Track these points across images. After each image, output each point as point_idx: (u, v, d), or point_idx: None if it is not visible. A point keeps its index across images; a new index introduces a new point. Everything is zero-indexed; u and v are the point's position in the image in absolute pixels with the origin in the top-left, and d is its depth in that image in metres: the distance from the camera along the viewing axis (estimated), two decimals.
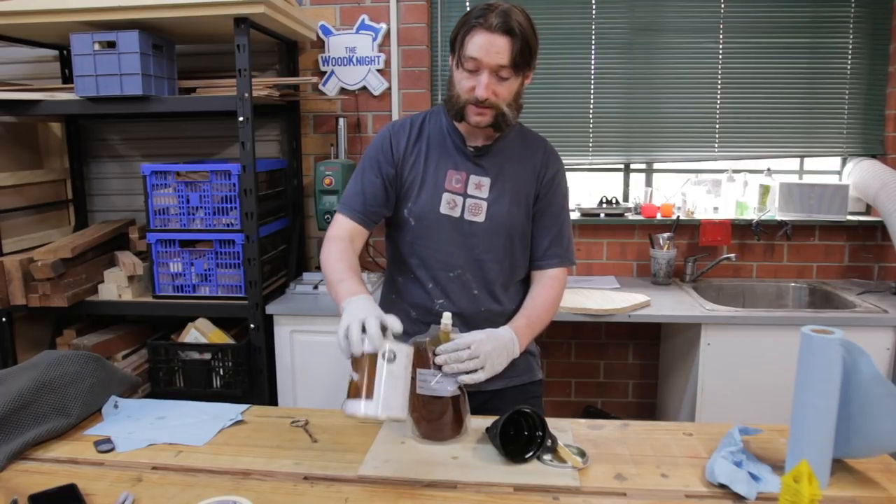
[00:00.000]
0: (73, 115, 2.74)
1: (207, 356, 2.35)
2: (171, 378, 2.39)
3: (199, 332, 2.38)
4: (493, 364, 1.27)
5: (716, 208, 2.86)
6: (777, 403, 2.14)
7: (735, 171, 2.84)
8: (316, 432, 1.32)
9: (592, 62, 2.79)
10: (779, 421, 1.31)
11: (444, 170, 1.43)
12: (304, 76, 2.72)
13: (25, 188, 2.63)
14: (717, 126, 2.79)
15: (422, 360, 1.25)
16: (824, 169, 2.91)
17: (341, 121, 2.68)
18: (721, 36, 2.74)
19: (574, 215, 2.80)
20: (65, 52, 2.75)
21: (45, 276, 2.26)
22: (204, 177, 2.33)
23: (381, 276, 2.60)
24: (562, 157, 1.53)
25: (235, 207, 2.32)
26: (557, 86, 2.79)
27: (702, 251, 2.77)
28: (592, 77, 2.80)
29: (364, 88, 2.75)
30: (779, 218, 2.71)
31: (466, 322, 1.42)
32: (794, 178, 2.88)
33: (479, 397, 1.43)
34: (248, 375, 2.35)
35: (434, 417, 1.24)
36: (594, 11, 2.76)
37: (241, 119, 2.18)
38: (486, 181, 1.43)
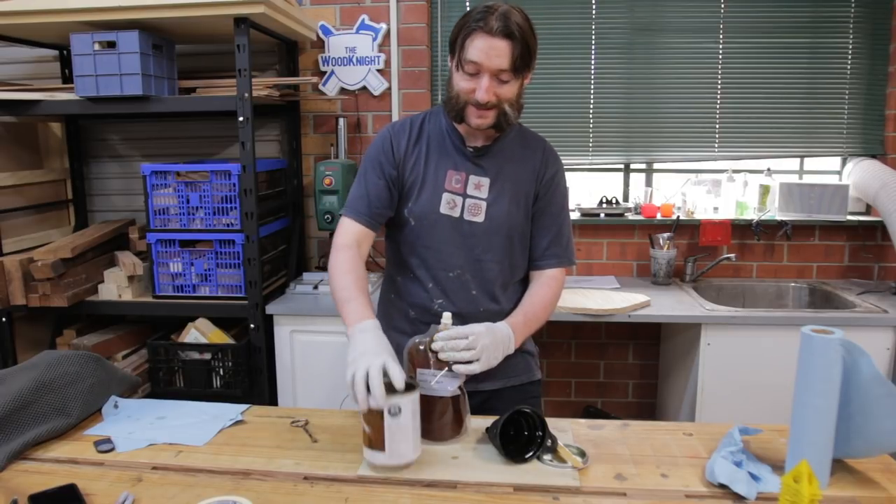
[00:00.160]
0: (73, 115, 2.74)
1: (207, 356, 2.35)
2: (171, 378, 2.39)
3: (199, 332, 2.38)
4: (489, 358, 1.27)
5: (716, 208, 2.86)
6: (777, 403, 2.14)
7: (735, 171, 2.85)
8: (316, 432, 1.32)
9: (592, 62, 2.79)
10: (779, 421, 1.31)
11: (443, 170, 1.43)
12: (304, 76, 2.72)
13: (25, 188, 2.63)
14: (717, 126, 2.79)
15: (422, 360, 1.25)
16: (824, 169, 2.91)
17: (341, 121, 2.68)
18: (721, 36, 2.74)
19: (574, 215, 2.80)
20: (65, 52, 2.75)
21: (45, 276, 2.26)
22: (204, 177, 2.33)
23: (380, 277, 2.60)
24: (562, 157, 1.53)
25: (235, 207, 2.32)
26: (557, 86, 2.79)
27: (702, 251, 2.77)
28: (592, 77, 2.80)
29: (364, 88, 2.75)
30: (779, 218, 2.71)
31: (465, 322, 1.41)
32: (794, 178, 2.88)
33: (478, 397, 1.43)
34: (248, 375, 2.35)
35: (434, 417, 1.24)
36: (594, 11, 2.76)
37: (241, 119, 2.18)
38: (486, 181, 1.43)
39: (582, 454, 1.20)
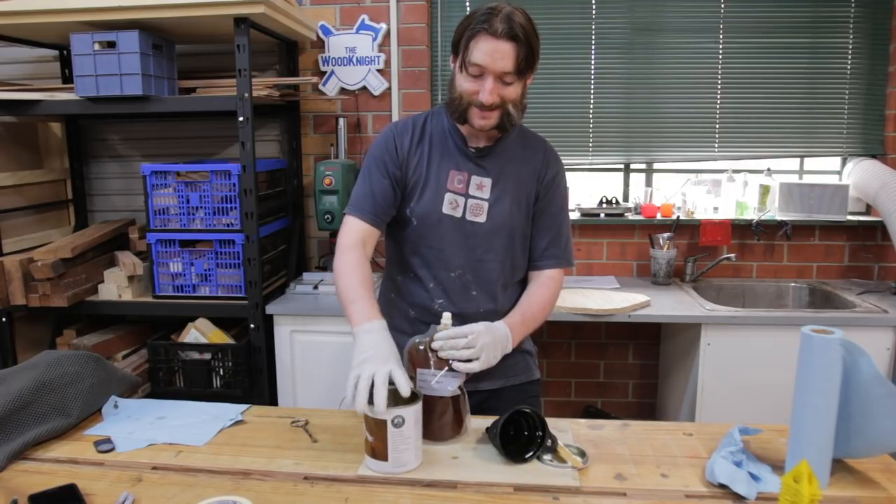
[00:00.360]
0: (73, 115, 2.74)
1: (207, 356, 2.35)
2: (171, 378, 2.39)
3: (199, 332, 2.38)
4: (489, 356, 1.27)
5: (716, 208, 2.86)
6: (777, 403, 2.14)
7: (735, 171, 2.84)
8: (316, 432, 1.32)
9: (592, 62, 2.79)
10: (779, 421, 1.31)
11: (446, 170, 1.43)
12: (304, 76, 2.72)
13: (25, 188, 2.63)
14: (717, 126, 2.79)
15: (422, 360, 1.25)
16: (824, 169, 2.91)
17: (341, 121, 2.68)
18: (721, 36, 2.74)
19: (574, 215, 2.80)
20: (65, 52, 2.75)
21: (45, 276, 2.26)
22: (204, 177, 2.33)
23: (380, 277, 2.59)
24: (562, 157, 1.53)
25: (235, 207, 2.32)
26: (557, 86, 2.80)
27: (702, 251, 2.77)
28: (592, 77, 2.80)
29: (364, 88, 2.75)
30: (779, 218, 2.71)
31: (465, 322, 1.41)
32: (794, 178, 2.88)
33: (477, 396, 1.43)
34: (248, 375, 2.35)
35: (434, 417, 1.24)
36: (594, 11, 2.76)
37: (241, 119, 2.18)
38: (488, 182, 1.43)
39: (582, 454, 1.20)
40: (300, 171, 2.80)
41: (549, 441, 1.20)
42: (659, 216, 2.78)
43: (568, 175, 1.55)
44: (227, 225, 2.34)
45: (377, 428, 1.12)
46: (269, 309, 2.32)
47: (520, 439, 1.20)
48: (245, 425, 1.37)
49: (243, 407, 1.44)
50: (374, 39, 2.71)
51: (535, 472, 1.15)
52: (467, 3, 2.77)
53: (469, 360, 1.24)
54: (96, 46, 2.18)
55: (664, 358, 2.85)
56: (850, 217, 2.70)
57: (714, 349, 2.24)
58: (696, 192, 2.87)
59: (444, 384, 1.23)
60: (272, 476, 1.15)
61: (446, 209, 1.42)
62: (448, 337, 1.24)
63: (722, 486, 1.08)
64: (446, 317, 1.27)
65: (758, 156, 2.82)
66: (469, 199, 1.43)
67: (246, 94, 2.16)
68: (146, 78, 2.20)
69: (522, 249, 1.49)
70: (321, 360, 2.32)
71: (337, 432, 1.32)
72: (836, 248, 2.78)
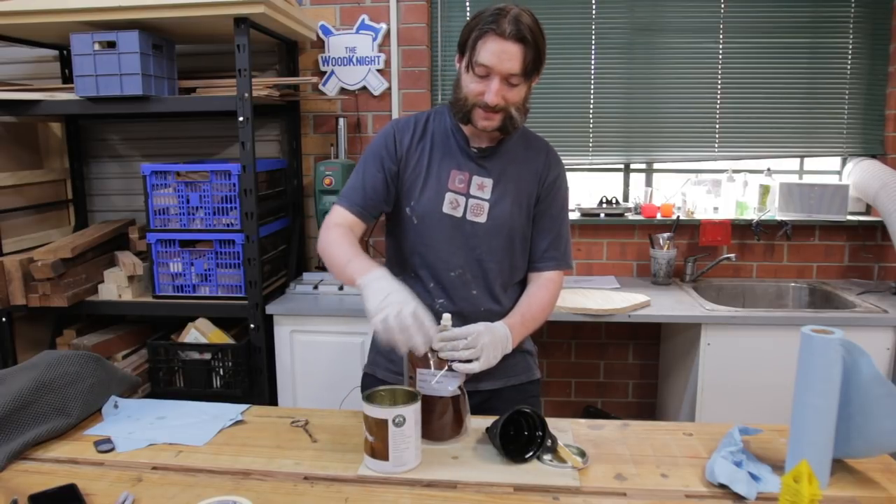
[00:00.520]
0: (73, 115, 2.74)
1: (207, 356, 2.35)
2: (171, 378, 2.39)
3: (199, 332, 2.38)
4: (489, 356, 1.27)
5: (716, 208, 2.86)
6: (777, 403, 2.13)
7: (735, 171, 2.84)
8: (316, 432, 1.32)
9: (592, 62, 2.79)
10: (779, 421, 1.31)
11: (447, 169, 1.43)
12: (304, 76, 2.72)
13: (25, 188, 2.63)
14: (717, 126, 2.79)
15: (421, 360, 1.25)
16: (824, 169, 2.91)
17: (341, 121, 2.68)
18: (721, 36, 2.74)
19: (574, 215, 2.80)
20: (65, 52, 2.75)
21: (45, 276, 2.26)
22: (204, 177, 2.33)
23: None
24: (562, 158, 1.53)
25: (235, 207, 2.32)
26: (557, 86, 2.80)
27: (702, 251, 2.77)
28: (592, 77, 2.80)
29: (364, 88, 2.75)
30: (779, 218, 2.71)
31: (465, 321, 1.41)
32: (794, 178, 2.88)
33: (477, 397, 1.43)
34: (248, 375, 2.35)
35: (434, 417, 1.24)
36: (594, 11, 2.76)
37: (241, 119, 2.18)
38: (489, 182, 1.43)
39: (582, 454, 1.20)
40: (300, 171, 2.80)
41: (549, 441, 1.20)
42: (659, 216, 2.78)
43: (568, 175, 1.55)
44: (227, 225, 2.34)
45: (377, 427, 1.12)
46: (269, 309, 2.32)
47: (520, 439, 1.20)
48: (245, 425, 1.37)
49: (243, 407, 1.44)
50: (374, 39, 2.71)
51: (535, 472, 1.15)
52: (467, 3, 2.77)
53: (469, 361, 1.24)
54: (96, 46, 2.18)
55: (664, 358, 2.85)
56: (850, 217, 2.70)
57: (714, 349, 2.24)
58: (696, 192, 2.87)
59: (444, 384, 1.23)
60: (272, 476, 1.15)
61: (446, 209, 1.42)
62: (448, 338, 1.24)
63: (722, 486, 1.08)
64: (446, 317, 1.27)
65: (758, 156, 2.82)
66: (470, 198, 1.43)
67: (246, 94, 2.16)
68: (146, 78, 2.20)
69: (522, 250, 1.49)
70: (321, 360, 2.32)
71: (337, 432, 1.32)
72: (836, 248, 2.78)
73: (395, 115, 2.75)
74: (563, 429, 1.31)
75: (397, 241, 1.50)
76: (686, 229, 2.78)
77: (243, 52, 2.14)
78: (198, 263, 2.37)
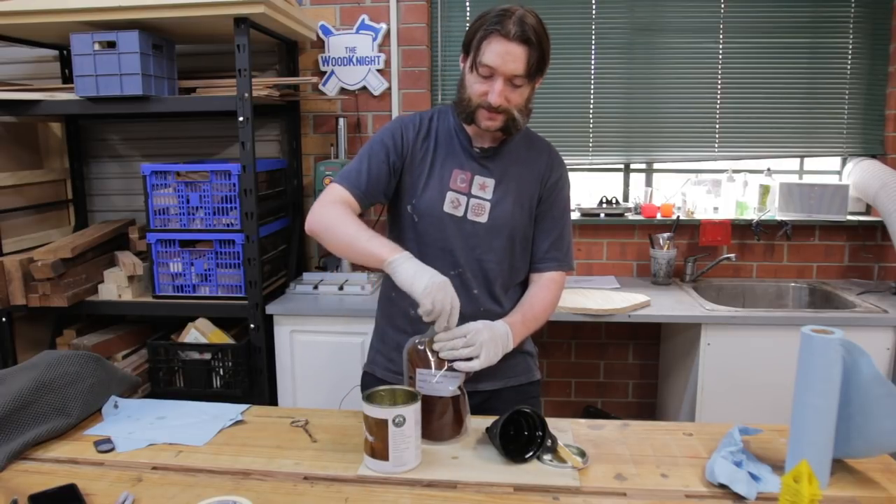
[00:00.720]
0: (73, 115, 2.74)
1: (207, 356, 2.35)
2: (171, 378, 2.39)
3: (199, 332, 2.38)
4: (489, 353, 1.27)
5: (716, 208, 2.86)
6: (777, 403, 2.13)
7: (735, 171, 2.84)
8: (316, 432, 1.32)
9: (592, 62, 2.79)
10: (779, 421, 1.31)
11: (449, 169, 1.43)
12: (304, 76, 2.72)
13: (25, 188, 2.63)
14: (717, 126, 2.79)
15: (421, 360, 1.25)
16: (824, 169, 2.91)
17: (341, 121, 2.68)
18: (721, 36, 2.74)
19: (574, 215, 2.80)
20: (65, 52, 2.75)
21: (45, 276, 2.26)
22: (204, 177, 2.33)
23: (380, 277, 2.59)
24: (562, 158, 1.53)
25: (235, 207, 2.32)
26: (557, 86, 2.79)
27: (702, 251, 2.77)
28: (592, 77, 2.80)
29: (364, 88, 2.75)
30: (779, 218, 2.71)
31: (465, 322, 1.41)
32: (794, 178, 2.88)
33: (477, 397, 1.43)
34: (248, 375, 2.35)
35: (434, 417, 1.24)
36: (594, 11, 2.76)
37: (241, 119, 2.18)
38: (491, 182, 1.43)
39: (582, 454, 1.20)
40: (300, 171, 2.80)
41: (549, 441, 1.20)
42: (659, 216, 2.78)
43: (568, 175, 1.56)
44: (227, 225, 2.34)
45: (377, 427, 1.12)
46: (269, 309, 2.32)
47: (520, 439, 1.20)
48: (245, 425, 1.37)
49: (243, 407, 1.44)
50: (374, 39, 2.71)
51: (535, 472, 1.15)
52: (467, 3, 2.77)
53: (469, 360, 1.24)
54: (96, 46, 2.18)
55: (664, 358, 2.85)
56: (850, 217, 2.70)
57: (714, 349, 2.24)
58: (696, 192, 2.87)
59: (444, 384, 1.23)
60: (272, 476, 1.15)
61: (447, 208, 1.42)
62: (447, 338, 1.24)
63: (722, 486, 1.08)
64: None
65: (758, 156, 2.82)
66: (471, 198, 1.43)
67: (246, 94, 2.16)
68: (146, 78, 2.20)
69: (523, 251, 1.49)
70: (321, 360, 2.32)
71: (337, 432, 1.32)
72: (836, 248, 2.78)
73: (394, 114, 2.75)
74: (563, 429, 1.31)
75: (399, 239, 1.50)
76: (686, 229, 2.78)
77: (243, 52, 2.14)
78: (198, 263, 2.37)
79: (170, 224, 2.38)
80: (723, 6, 2.72)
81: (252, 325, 2.30)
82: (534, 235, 1.49)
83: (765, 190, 2.75)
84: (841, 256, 2.78)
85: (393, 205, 1.49)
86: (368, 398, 1.16)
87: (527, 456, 1.18)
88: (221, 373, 2.36)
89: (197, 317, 2.41)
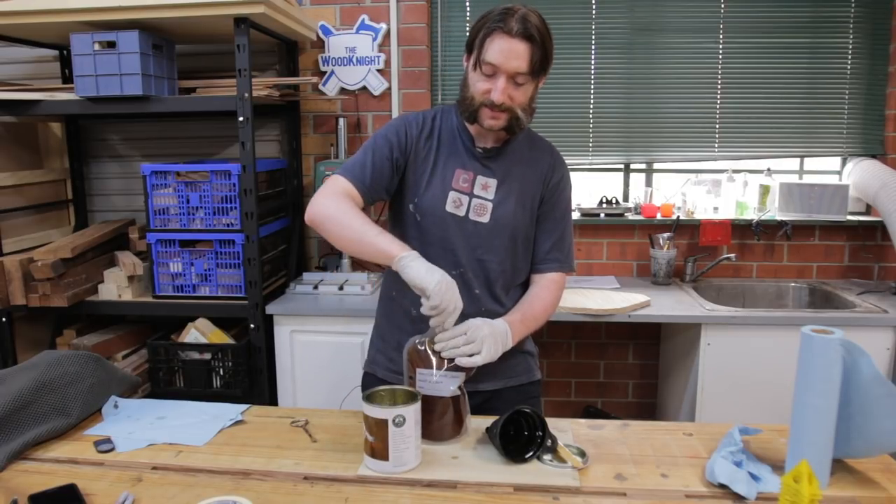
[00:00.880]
0: (73, 115, 2.74)
1: (207, 356, 2.35)
2: (171, 378, 2.39)
3: (199, 332, 2.38)
4: (490, 349, 1.27)
5: (716, 208, 2.86)
6: (777, 403, 2.14)
7: (735, 171, 2.84)
8: (316, 432, 1.32)
9: (592, 62, 2.79)
10: (779, 421, 1.31)
11: (452, 168, 1.43)
12: (304, 76, 2.72)
13: (25, 188, 2.63)
14: (717, 126, 2.79)
15: (422, 360, 1.25)
16: (824, 169, 2.91)
17: (341, 121, 2.68)
18: (721, 36, 2.74)
19: (574, 215, 2.76)
20: (65, 52, 2.75)
21: (45, 276, 2.26)
22: (204, 177, 2.33)
23: (380, 277, 2.59)
24: (563, 159, 1.53)
25: (235, 207, 2.32)
26: (557, 86, 2.79)
27: (702, 251, 2.77)
28: (592, 77, 2.80)
29: (364, 88, 2.75)
30: (779, 218, 2.71)
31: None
32: (794, 178, 2.88)
33: (478, 397, 1.43)
34: (248, 375, 2.35)
35: (434, 417, 1.24)
36: (594, 11, 2.76)
37: (241, 119, 2.18)
38: (493, 182, 1.43)
39: (582, 454, 1.20)
40: (300, 171, 2.80)
41: (549, 441, 1.20)
42: (659, 216, 2.78)
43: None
44: (227, 225, 2.34)
45: (377, 427, 1.12)
46: (269, 309, 2.32)
47: (520, 439, 1.20)
48: (245, 425, 1.37)
49: (243, 407, 1.44)
50: (374, 39, 2.71)
51: (535, 472, 1.15)
52: (467, 3, 2.77)
53: (471, 356, 1.24)
54: (96, 46, 2.18)
55: (664, 358, 2.85)
56: (850, 217, 2.70)
57: (714, 349, 2.24)
58: (696, 192, 2.87)
59: (444, 384, 1.23)
60: (272, 476, 1.15)
61: (450, 207, 1.42)
62: (448, 337, 1.24)
63: (722, 486, 1.08)
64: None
65: (758, 156, 2.82)
66: (473, 198, 1.43)
67: (246, 94, 2.16)
68: (146, 78, 2.20)
69: (524, 251, 1.49)
70: (321, 360, 2.32)
71: (337, 432, 1.32)
72: (836, 248, 2.78)
73: (395, 114, 2.75)
74: (563, 429, 1.31)
75: (399, 238, 1.49)
76: (686, 229, 2.78)
77: (243, 52, 2.14)
78: (198, 263, 2.37)
79: (170, 224, 2.38)
80: (723, 6, 2.72)
81: (252, 325, 2.30)
82: (535, 236, 1.49)
83: (765, 190, 2.75)
84: (841, 256, 2.78)
85: (395, 203, 1.49)
86: (368, 398, 1.16)
87: (527, 456, 1.18)
88: (221, 373, 2.36)
89: (197, 317, 2.41)
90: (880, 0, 2.67)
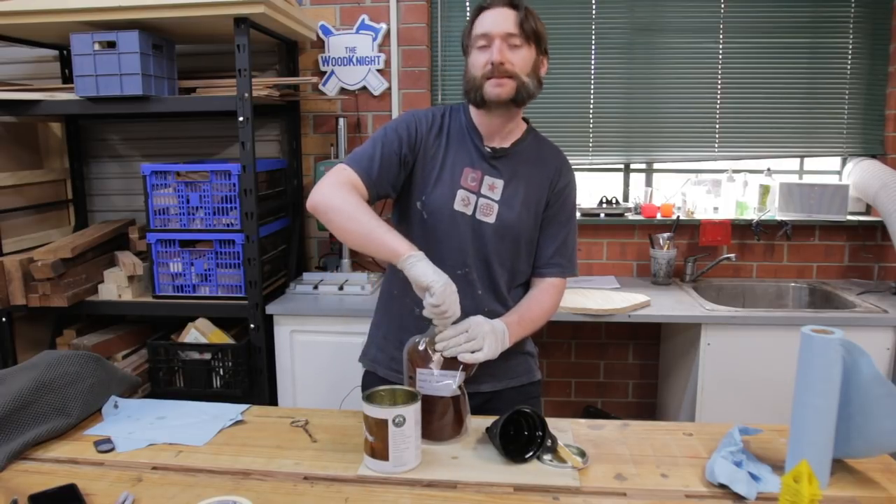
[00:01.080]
0: (73, 115, 2.74)
1: (207, 356, 2.35)
2: (171, 378, 2.39)
3: (199, 332, 2.38)
4: (491, 345, 1.27)
5: (716, 208, 2.86)
6: (777, 403, 2.14)
7: (735, 171, 2.84)
8: (316, 432, 1.32)
9: (592, 62, 2.79)
10: (779, 421, 1.31)
11: (460, 167, 1.43)
12: (304, 76, 2.72)
13: (25, 188, 2.63)
14: (717, 126, 2.79)
15: (422, 360, 1.25)
16: (824, 169, 2.91)
17: (341, 121, 2.68)
18: (721, 36, 2.74)
19: None
20: (65, 52, 2.75)
21: (45, 276, 2.26)
22: (204, 177, 2.33)
23: (380, 277, 2.60)
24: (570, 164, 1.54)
25: (235, 207, 2.32)
26: (557, 86, 2.79)
27: (702, 251, 2.77)
28: (592, 77, 2.80)
29: (364, 88, 2.75)
30: (779, 218, 2.71)
31: None
32: (794, 178, 2.88)
33: (479, 398, 1.43)
34: (248, 375, 2.35)
35: (434, 417, 1.24)
36: (594, 11, 2.76)
37: (241, 119, 2.18)
38: (500, 183, 1.43)
39: (582, 454, 1.20)
40: (300, 171, 2.80)
41: (549, 441, 1.20)
42: (659, 216, 2.78)
43: None
44: (227, 225, 2.34)
45: (377, 427, 1.12)
46: (269, 309, 2.32)
47: (520, 439, 1.20)
48: (245, 425, 1.37)
49: (243, 407, 1.44)
50: (374, 39, 2.71)
51: (535, 472, 1.15)
52: (467, 3, 2.77)
53: (473, 353, 1.25)
54: (96, 46, 2.18)
55: (664, 358, 2.85)
56: (850, 217, 2.70)
57: (714, 349, 2.24)
58: (696, 192, 2.87)
59: (444, 384, 1.23)
60: (272, 476, 1.15)
61: (458, 206, 1.41)
62: (448, 336, 1.24)
63: (722, 486, 1.08)
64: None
65: (758, 156, 2.82)
66: (481, 198, 1.42)
67: (246, 94, 2.16)
68: (146, 78, 2.20)
69: (527, 254, 1.48)
70: (321, 360, 2.32)
71: (337, 432, 1.32)
72: (836, 248, 2.78)
73: (395, 115, 2.75)
74: (563, 429, 1.31)
75: (405, 235, 1.49)
76: (686, 229, 2.78)
77: (243, 52, 2.14)
78: (198, 263, 2.37)
79: (170, 224, 2.38)
80: (723, 6, 2.72)
81: (252, 325, 2.30)
82: (539, 240, 1.49)
83: (765, 190, 2.75)
84: (841, 256, 2.78)
85: (401, 200, 1.48)
86: (368, 398, 1.16)
87: (527, 456, 1.18)
88: (221, 373, 2.36)
89: (197, 317, 2.41)
90: (880, 0, 2.67)
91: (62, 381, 1.34)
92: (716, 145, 2.81)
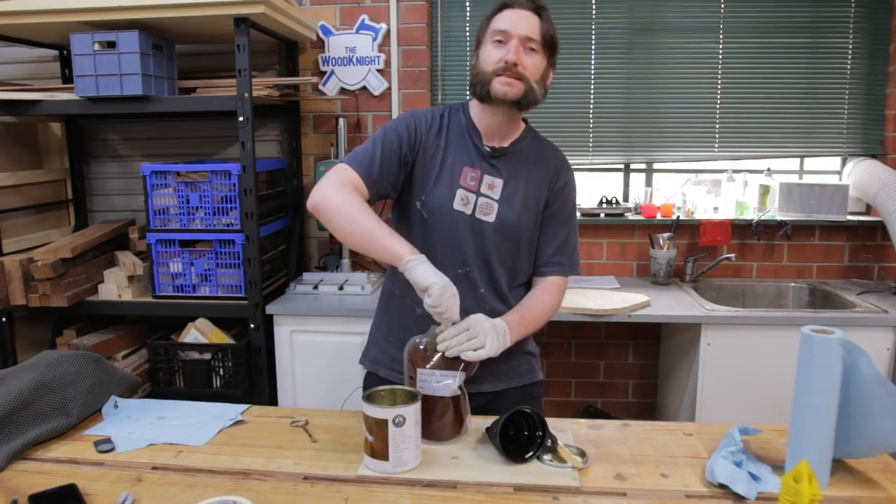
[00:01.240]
0: (73, 115, 2.74)
1: (207, 356, 2.35)
2: (171, 378, 2.39)
3: (199, 332, 2.38)
4: (493, 342, 1.27)
5: (716, 208, 2.86)
6: (777, 403, 2.14)
7: (735, 171, 2.84)
8: (316, 432, 1.32)
9: (592, 62, 2.79)
10: (779, 421, 1.31)
11: (460, 166, 1.43)
12: (304, 76, 2.72)
13: (25, 188, 2.63)
14: (717, 126, 2.79)
15: (422, 360, 1.25)
16: (824, 169, 2.91)
17: (341, 121, 2.68)
18: (721, 36, 2.74)
19: None
20: (65, 52, 2.75)
21: (45, 276, 2.26)
22: (204, 177, 2.33)
23: (380, 277, 2.60)
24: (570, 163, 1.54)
25: (235, 207, 2.32)
26: (557, 86, 2.77)
27: (702, 251, 2.77)
28: (592, 77, 2.80)
29: (364, 88, 2.75)
30: (779, 218, 2.71)
31: None
32: (794, 178, 2.88)
33: (480, 398, 1.43)
34: (248, 375, 2.35)
35: (434, 417, 1.24)
36: (594, 11, 2.76)
37: (241, 119, 2.18)
38: (499, 182, 1.43)
39: (582, 454, 1.20)
40: (300, 171, 2.80)
41: (549, 441, 1.20)
42: (659, 216, 2.78)
43: None
44: (227, 225, 2.34)
45: (377, 427, 1.12)
46: (269, 309, 2.32)
47: (520, 439, 1.20)
48: (245, 425, 1.37)
49: (243, 407, 1.44)
50: (374, 39, 2.71)
51: (535, 472, 1.15)
52: (467, 3, 2.77)
53: (475, 350, 1.25)
54: (96, 46, 2.18)
55: (664, 358, 2.85)
56: (850, 217, 2.70)
57: (714, 349, 2.24)
58: (696, 192, 2.88)
59: (444, 384, 1.23)
60: (272, 476, 1.15)
61: (457, 205, 1.42)
62: (450, 335, 1.24)
63: (722, 486, 1.08)
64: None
65: (758, 156, 2.82)
66: (480, 197, 1.43)
67: (246, 94, 2.16)
68: (146, 78, 2.20)
69: (528, 253, 1.48)
70: (321, 360, 2.32)
71: (337, 432, 1.32)
72: (836, 248, 2.78)
73: (395, 115, 2.75)
74: (563, 429, 1.31)
75: (404, 235, 1.49)
76: (686, 229, 2.78)
77: (243, 52, 2.14)
78: (198, 263, 2.37)
79: (170, 224, 2.38)
80: (723, 6, 2.72)
81: (252, 325, 2.30)
82: (539, 239, 1.49)
83: (765, 190, 2.75)
84: (841, 256, 2.78)
85: (401, 200, 1.48)
86: (368, 398, 1.16)
87: (527, 456, 1.18)
88: (221, 373, 2.36)
89: (197, 317, 2.41)
90: (880, 0, 2.67)
91: (62, 381, 1.34)
92: (716, 145, 2.81)
